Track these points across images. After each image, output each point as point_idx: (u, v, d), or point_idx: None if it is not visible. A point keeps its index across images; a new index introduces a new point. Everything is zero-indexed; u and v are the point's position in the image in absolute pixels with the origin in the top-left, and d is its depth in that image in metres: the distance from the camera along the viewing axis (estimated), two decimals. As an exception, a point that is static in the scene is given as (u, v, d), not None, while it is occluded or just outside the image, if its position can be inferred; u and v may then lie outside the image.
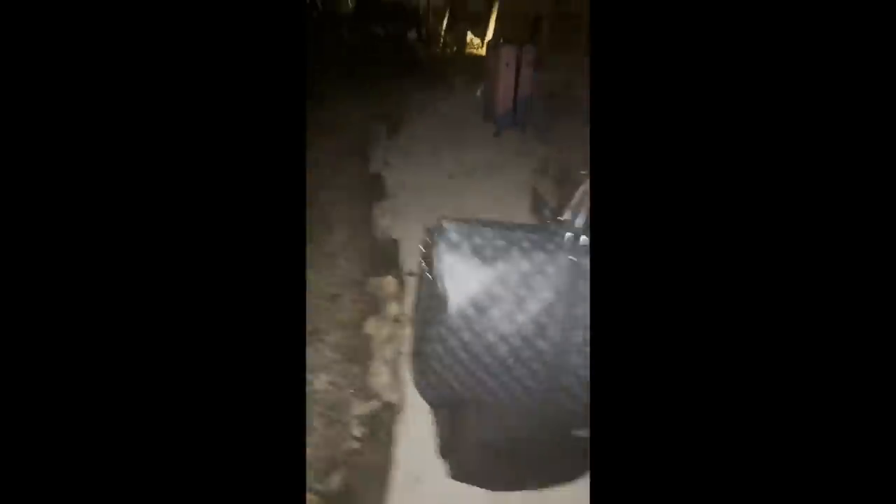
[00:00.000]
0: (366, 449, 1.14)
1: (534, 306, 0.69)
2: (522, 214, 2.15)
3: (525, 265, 0.69)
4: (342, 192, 2.38)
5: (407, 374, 1.33)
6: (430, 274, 0.70)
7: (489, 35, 3.65)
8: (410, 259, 1.88)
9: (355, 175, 2.58)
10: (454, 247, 0.70)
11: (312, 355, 1.43)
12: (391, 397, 1.27)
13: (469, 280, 0.68)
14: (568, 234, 0.69)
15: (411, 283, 1.75)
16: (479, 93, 3.77)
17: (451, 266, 0.69)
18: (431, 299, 0.70)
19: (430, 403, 0.85)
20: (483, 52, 4.07)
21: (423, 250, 0.74)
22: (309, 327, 1.53)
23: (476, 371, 0.73)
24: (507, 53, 3.25)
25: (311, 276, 1.76)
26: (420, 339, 0.75)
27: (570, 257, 0.68)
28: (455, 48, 5.10)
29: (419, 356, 0.76)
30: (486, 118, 3.44)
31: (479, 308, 0.69)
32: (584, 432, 0.79)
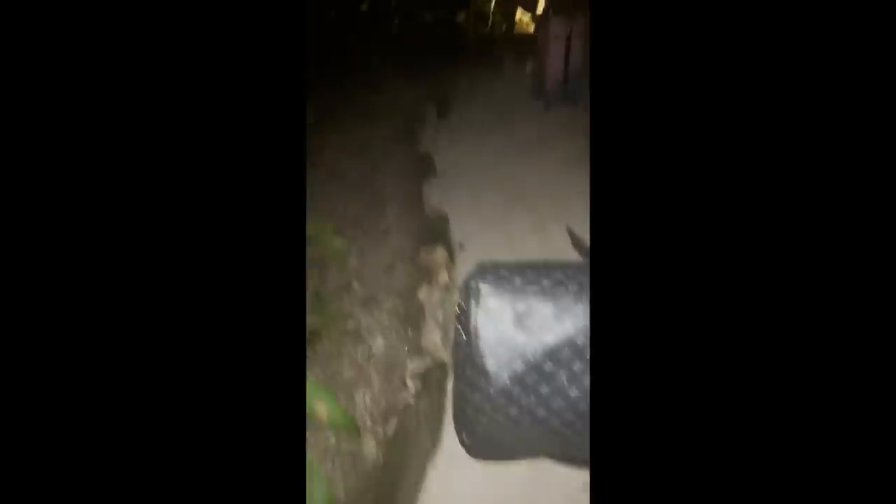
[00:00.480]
0: (420, 400, 1.24)
1: (590, 381, 0.60)
2: (568, 193, 2.16)
3: (580, 337, 0.59)
4: (395, 173, 2.49)
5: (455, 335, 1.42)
6: (468, 341, 0.62)
7: (539, 10, 3.61)
8: (459, 231, 1.96)
9: (407, 156, 2.68)
10: (493, 317, 0.60)
11: (370, 321, 1.55)
12: (442, 356, 1.36)
13: (514, 357, 0.59)
14: None
15: (461, 255, 1.83)
16: (528, 69, 3.74)
17: (492, 341, 0.60)
18: (472, 369, 0.62)
19: (473, 455, 0.78)
20: (532, 28, 4.03)
21: (459, 312, 0.65)
22: (366, 295, 1.65)
23: (524, 438, 0.67)
24: (557, 27, 3.21)
25: (368, 250, 1.88)
26: (462, 399, 0.67)
27: None
28: (504, 26, 5.06)
29: (462, 414, 0.69)
30: (536, 94, 3.42)
31: (526, 386, 0.60)
32: None
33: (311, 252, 1.69)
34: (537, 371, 0.62)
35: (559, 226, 1.92)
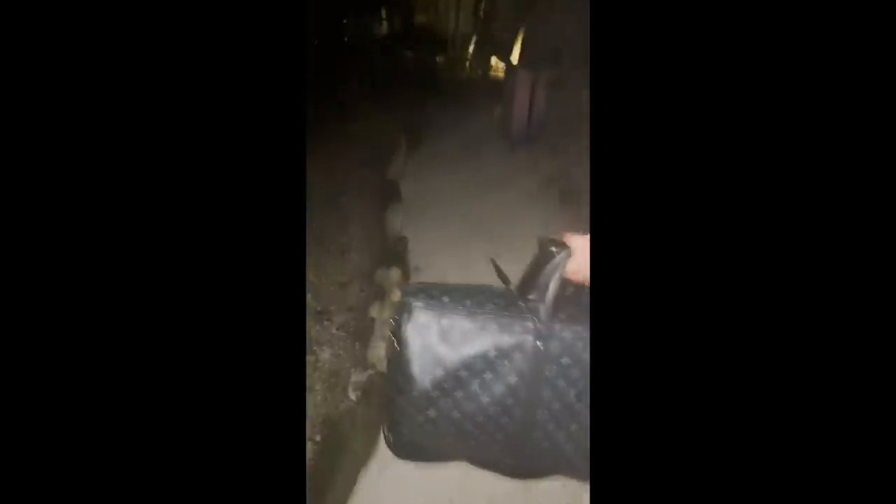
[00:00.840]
0: (360, 408, 1.28)
1: (498, 389, 0.71)
2: (523, 227, 2.29)
3: (492, 351, 0.71)
4: (360, 197, 2.57)
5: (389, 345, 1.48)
6: (400, 350, 0.72)
7: (513, 59, 3.87)
8: (417, 255, 2.03)
9: (374, 182, 2.77)
10: (422, 330, 0.71)
11: (320, 332, 1.58)
12: (385, 368, 1.41)
13: (435, 365, 0.71)
14: (536, 321, 0.69)
15: (415, 277, 1.90)
16: (497, 112, 3.96)
17: (418, 350, 0.71)
18: (400, 375, 0.73)
19: (398, 455, 0.86)
20: (503, 75, 4.29)
21: (393, 325, 0.75)
22: (319, 308, 1.69)
23: (442, 440, 0.76)
24: (525, 76, 3.44)
25: (326, 267, 1.93)
26: (390, 404, 0.76)
27: (538, 343, 0.70)
28: (480, 71, 5.34)
29: (389, 415, 0.77)
30: (502, 135, 3.62)
31: (444, 390, 0.71)
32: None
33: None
34: (454, 378, 0.72)
35: (513, 255, 2.03)
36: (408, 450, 0.85)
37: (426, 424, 0.74)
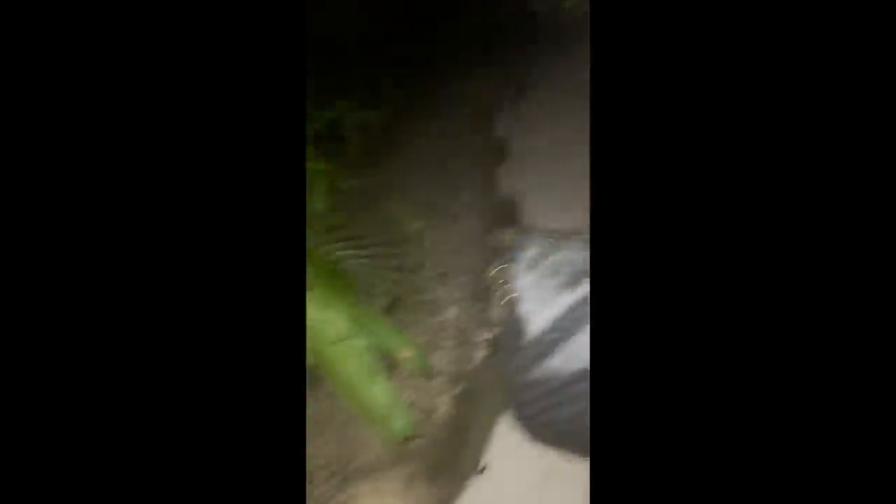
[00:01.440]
0: (487, 365, 1.34)
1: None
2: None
3: None
4: (468, 159, 2.58)
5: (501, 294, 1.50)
6: (507, 295, 0.70)
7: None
8: (529, 214, 2.02)
9: (481, 142, 2.76)
10: (532, 265, 0.67)
11: (443, 294, 1.67)
12: (507, 327, 1.45)
13: (550, 303, 0.66)
14: None
15: (528, 236, 1.89)
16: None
17: (530, 288, 0.67)
18: (511, 323, 0.70)
19: (534, 438, 0.82)
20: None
21: (498, 267, 0.75)
22: (440, 271, 1.77)
23: (570, 411, 0.72)
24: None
25: (440, 231, 2.00)
26: (505, 369, 0.74)
27: None
28: (580, 13, 4.97)
29: (510, 390, 0.76)
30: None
31: (564, 330, 0.67)
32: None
33: (392, 232, 1.88)
34: (570, 317, 0.68)
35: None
36: (536, 429, 0.83)
37: (549, 381, 0.70)
